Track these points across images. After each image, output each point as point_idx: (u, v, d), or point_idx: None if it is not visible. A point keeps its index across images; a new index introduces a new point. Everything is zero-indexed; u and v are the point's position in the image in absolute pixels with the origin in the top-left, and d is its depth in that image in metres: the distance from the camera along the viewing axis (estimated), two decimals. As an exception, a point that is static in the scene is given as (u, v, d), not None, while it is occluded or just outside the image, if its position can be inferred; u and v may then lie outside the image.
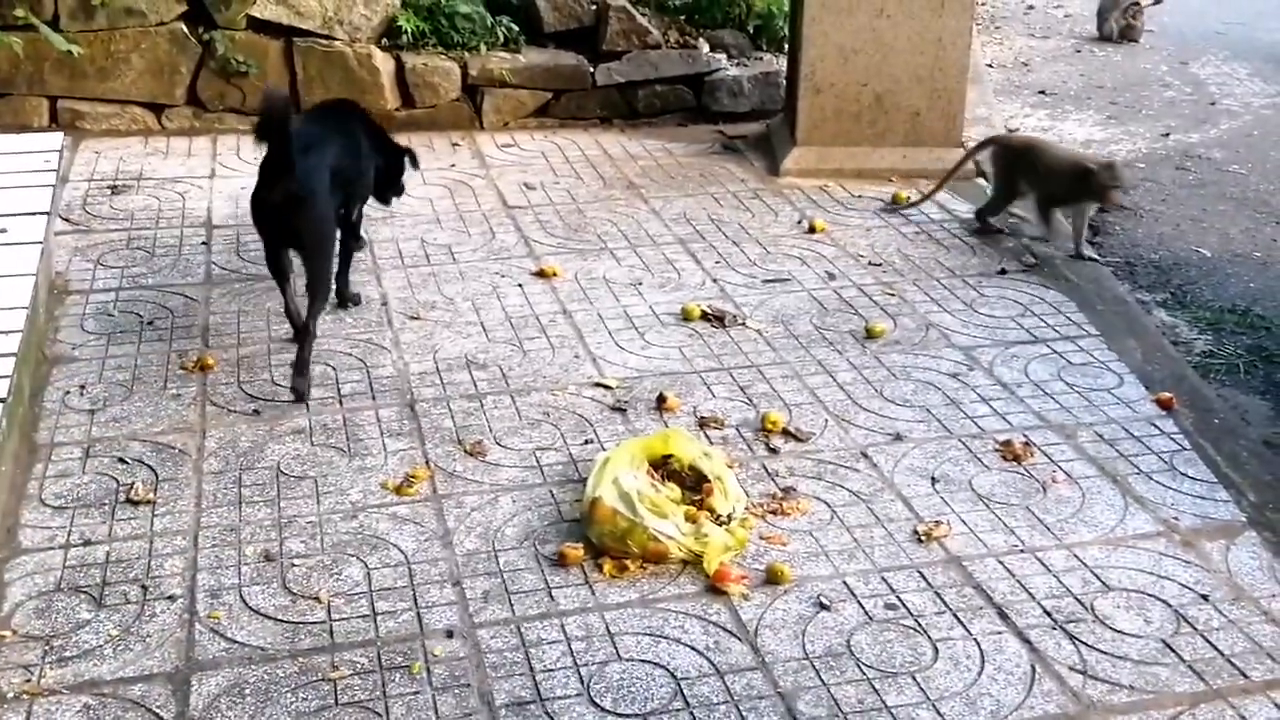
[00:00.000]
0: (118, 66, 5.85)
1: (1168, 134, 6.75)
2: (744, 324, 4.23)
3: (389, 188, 4.41)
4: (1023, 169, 4.96)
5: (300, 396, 3.66)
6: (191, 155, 5.69)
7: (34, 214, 4.18)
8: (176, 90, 5.95)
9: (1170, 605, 2.89)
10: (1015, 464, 3.44)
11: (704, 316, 4.26)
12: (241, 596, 2.85)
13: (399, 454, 3.43)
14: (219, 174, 5.48)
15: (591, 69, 6.24)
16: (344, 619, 2.79)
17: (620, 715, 2.53)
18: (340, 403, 3.69)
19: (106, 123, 5.93)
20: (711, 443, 3.49)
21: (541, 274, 4.57)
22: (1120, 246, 5.27)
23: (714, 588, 2.90)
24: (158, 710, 2.52)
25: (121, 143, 5.81)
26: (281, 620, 2.78)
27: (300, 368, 3.70)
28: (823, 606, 2.86)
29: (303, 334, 3.75)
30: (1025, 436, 3.57)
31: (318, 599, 2.85)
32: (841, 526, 3.15)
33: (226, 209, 5.10)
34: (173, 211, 5.07)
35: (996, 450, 3.50)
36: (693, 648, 2.72)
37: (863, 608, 2.86)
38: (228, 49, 5.84)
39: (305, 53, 5.97)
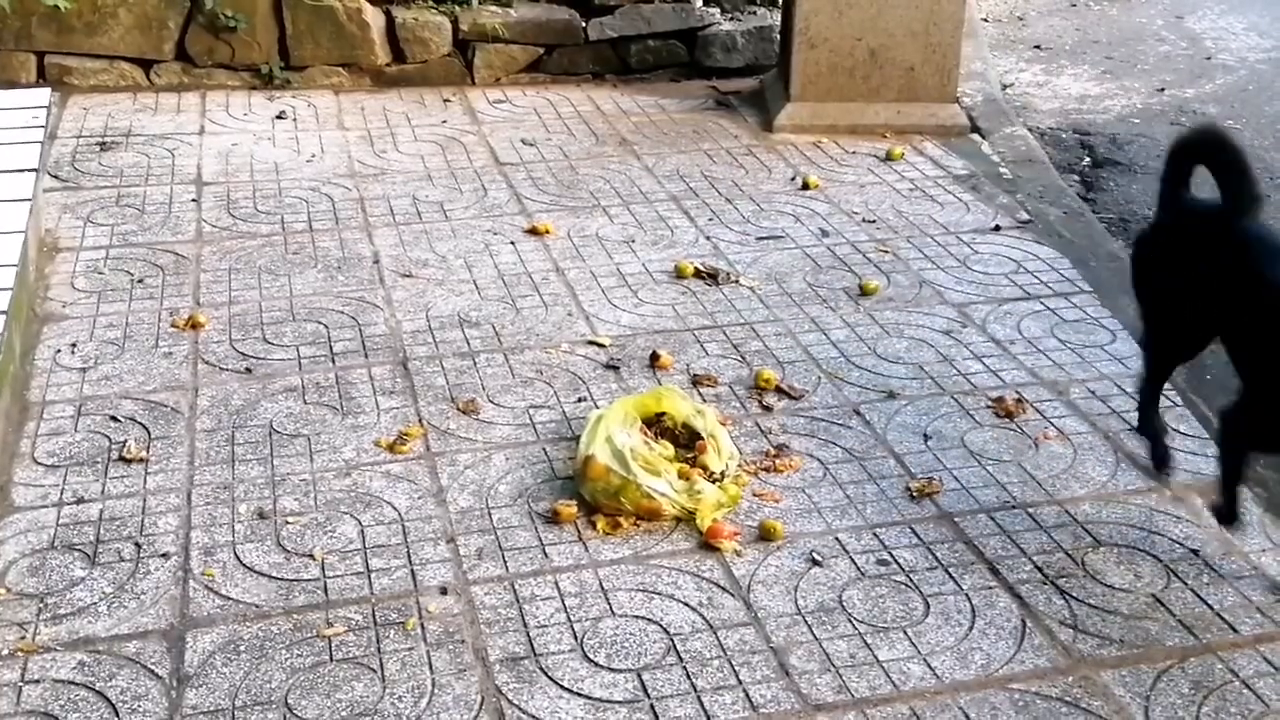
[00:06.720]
0: (105, 21, 5.78)
1: (1163, 89, 6.71)
2: (737, 281, 4.22)
3: None
4: None
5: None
6: (181, 111, 5.65)
7: (22, 171, 4.16)
8: (165, 45, 5.88)
9: (1161, 560, 2.91)
10: (1008, 420, 3.45)
11: (697, 274, 4.25)
12: (235, 554, 2.86)
13: (392, 412, 3.43)
14: (208, 130, 5.44)
15: (584, 23, 6.18)
16: (338, 576, 2.80)
17: (614, 670, 2.54)
18: (333, 361, 3.68)
19: (94, 78, 5.87)
20: (705, 400, 3.49)
21: (534, 231, 4.55)
22: (1114, 203, 5.25)
23: (707, 544, 2.92)
24: (152, 667, 2.53)
25: (110, 99, 5.75)
26: (276, 577, 2.79)
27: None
28: (815, 562, 2.87)
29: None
30: (1018, 393, 3.57)
31: (312, 556, 2.86)
32: (834, 483, 3.16)
33: (216, 166, 5.06)
34: (162, 168, 5.04)
35: (989, 407, 3.51)
36: (686, 604, 2.73)
37: (855, 564, 2.87)
38: (216, 3, 5.76)
39: (294, 7, 5.89)
